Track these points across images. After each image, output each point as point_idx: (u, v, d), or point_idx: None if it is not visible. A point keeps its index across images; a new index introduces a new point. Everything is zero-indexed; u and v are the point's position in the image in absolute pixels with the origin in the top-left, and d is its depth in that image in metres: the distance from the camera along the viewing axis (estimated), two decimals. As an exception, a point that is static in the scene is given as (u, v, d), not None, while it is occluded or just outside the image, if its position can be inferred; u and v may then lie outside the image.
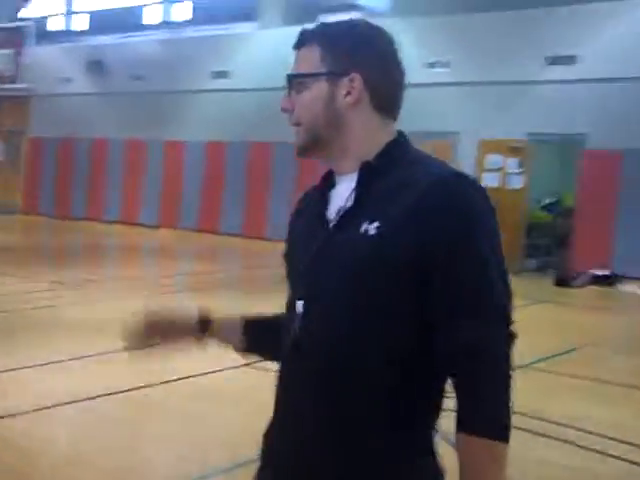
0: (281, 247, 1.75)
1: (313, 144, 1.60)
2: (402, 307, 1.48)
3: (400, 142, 1.60)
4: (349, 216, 1.54)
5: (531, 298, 11.01)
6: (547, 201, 15.58)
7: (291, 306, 1.60)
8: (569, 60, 13.79)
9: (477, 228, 1.46)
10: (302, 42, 1.61)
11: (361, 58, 1.57)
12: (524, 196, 14.41)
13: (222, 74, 18.20)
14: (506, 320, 1.47)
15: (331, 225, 1.57)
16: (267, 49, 16.90)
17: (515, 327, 1.48)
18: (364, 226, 1.49)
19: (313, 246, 1.57)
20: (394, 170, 1.54)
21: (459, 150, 14.70)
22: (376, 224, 1.48)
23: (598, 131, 13.30)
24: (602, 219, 13.41)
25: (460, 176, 1.50)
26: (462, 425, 1.44)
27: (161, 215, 19.05)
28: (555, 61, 13.86)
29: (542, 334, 8.83)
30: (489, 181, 14.07)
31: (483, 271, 1.45)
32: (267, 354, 1.85)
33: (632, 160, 13.09)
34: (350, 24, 1.62)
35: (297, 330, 1.56)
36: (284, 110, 1.62)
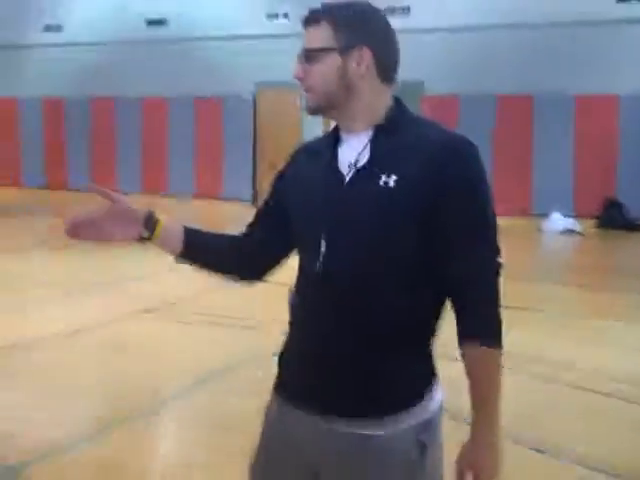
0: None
1: (326, 106, 1.88)
2: (417, 242, 1.79)
3: (400, 105, 1.90)
4: (365, 170, 1.82)
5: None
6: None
7: (311, 245, 1.86)
8: (404, 11, 14.27)
9: (480, 182, 1.81)
10: (312, 20, 1.86)
11: (368, 33, 1.85)
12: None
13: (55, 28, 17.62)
14: (498, 252, 1.82)
15: (347, 177, 1.83)
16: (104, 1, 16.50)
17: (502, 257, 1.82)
18: (383, 178, 1.79)
19: (330, 195, 1.84)
20: (400, 130, 1.85)
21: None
22: (394, 177, 1.78)
23: (434, 78, 13.92)
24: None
25: (466, 139, 1.81)
26: (474, 337, 1.79)
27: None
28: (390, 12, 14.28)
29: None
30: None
31: (484, 215, 1.81)
32: (200, 263, 2.06)
33: (467, 104, 13.80)
34: (354, 4, 1.88)
35: (322, 264, 1.83)
36: (298, 78, 1.87)
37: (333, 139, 1.91)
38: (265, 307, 7.37)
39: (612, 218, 13.11)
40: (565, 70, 13.41)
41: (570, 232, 12.72)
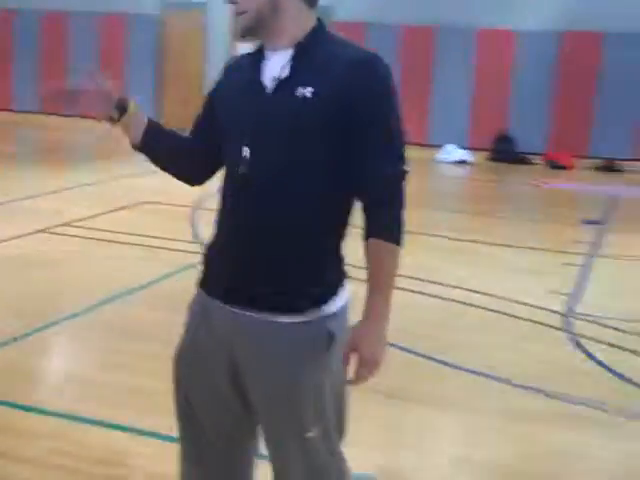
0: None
1: (256, 26, 2.03)
2: (331, 149, 1.99)
3: (322, 27, 2.06)
4: (286, 82, 2.00)
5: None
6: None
7: (236, 150, 2.04)
8: None
9: (389, 97, 2.01)
10: None
11: None
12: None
13: None
14: (405, 161, 2.04)
15: (269, 88, 2.01)
16: None
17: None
18: (300, 90, 1.97)
19: (254, 104, 2.02)
20: (320, 48, 2.03)
21: (209, 19, 14.88)
22: (310, 89, 1.97)
23: (344, 3, 14.06)
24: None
25: (378, 57, 2.00)
26: (378, 234, 2.00)
27: None
28: None
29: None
30: (244, 48, 14.43)
31: (393, 127, 2.02)
32: (152, 155, 2.26)
33: (373, 32, 14.01)
34: None
35: (244, 167, 2.02)
36: (231, 2, 2.02)
37: (258, 55, 2.09)
38: (169, 227, 7.55)
39: (503, 151, 13.67)
40: (467, 3, 13.73)
41: (463, 163, 13.23)
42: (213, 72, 14.87)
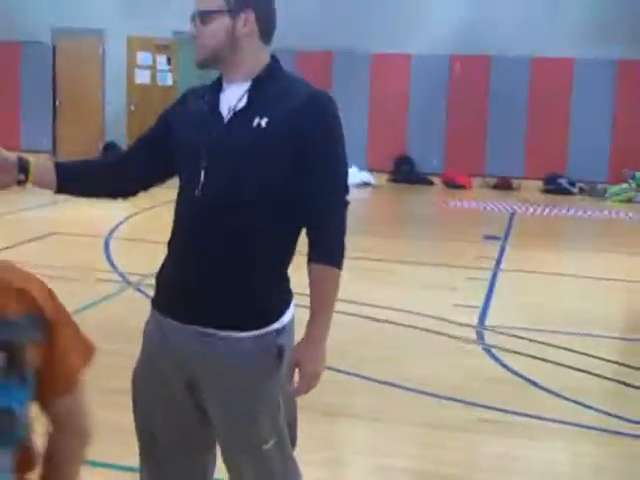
0: None
1: (213, 60, 2.23)
2: (281, 177, 2.16)
3: (276, 63, 2.29)
4: (242, 112, 2.18)
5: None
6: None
7: (192, 175, 2.19)
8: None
9: (336, 133, 2.22)
10: None
11: (254, 0, 2.21)
12: (174, 92, 14.99)
13: None
14: (347, 190, 2.24)
15: (227, 118, 2.16)
16: None
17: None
18: (256, 120, 2.13)
19: (211, 132, 2.16)
20: (275, 82, 2.23)
21: (107, 48, 14.83)
22: (266, 119, 2.15)
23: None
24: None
25: (327, 94, 2.22)
26: (319, 259, 2.17)
27: None
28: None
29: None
30: (141, 78, 14.43)
31: (337, 162, 2.22)
32: (76, 191, 2.40)
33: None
34: None
35: (200, 190, 2.16)
36: (193, 36, 2.19)
37: (217, 86, 2.27)
38: (82, 257, 7.52)
39: (403, 172, 14.09)
40: (361, 29, 14.11)
41: (365, 185, 13.56)
42: (111, 100, 14.84)
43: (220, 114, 2.21)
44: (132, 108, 14.51)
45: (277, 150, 2.15)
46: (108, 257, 7.51)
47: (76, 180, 2.36)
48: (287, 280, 2.29)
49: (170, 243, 2.29)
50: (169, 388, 2.27)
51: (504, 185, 13.66)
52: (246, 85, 2.22)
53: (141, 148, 2.40)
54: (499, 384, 4.81)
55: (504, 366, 5.10)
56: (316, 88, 2.25)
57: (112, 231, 8.36)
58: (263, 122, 2.14)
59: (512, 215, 11.22)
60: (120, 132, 14.67)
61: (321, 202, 2.18)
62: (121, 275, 6.76)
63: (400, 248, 8.82)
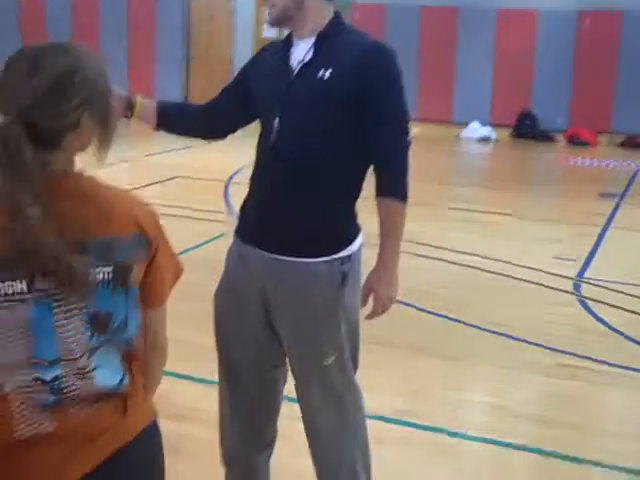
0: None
1: (283, 19, 2.47)
2: (346, 122, 2.40)
3: (339, 18, 2.50)
4: (309, 65, 2.43)
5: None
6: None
7: (269, 122, 2.46)
8: None
9: (394, 79, 2.42)
10: None
11: None
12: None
13: None
14: (408, 132, 2.43)
15: (295, 71, 2.44)
16: None
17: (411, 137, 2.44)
18: (321, 72, 2.39)
19: (283, 84, 2.44)
20: (338, 36, 2.45)
21: (238, 1, 15.27)
22: (330, 71, 2.38)
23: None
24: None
25: (387, 46, 2.44)
26: (385, 193, 2.41)
27: None
28: None
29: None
30: (268, 32, 14.77)
31: (397, 103, 2.42)
32: (173, 130, 2.71)
33: (394, 13, 14.30)
34: None
35: (275, 136, 2.44)
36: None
37: (287, 43, 2.52)
38: (201, 199, 7.99)
39: (526, 128, 13.93)
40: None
41: (486, 140, 13.52)
42: (240, 53, 15.29)
43: (290, 67, 2.47)
44: (259, 60, 14.89)
45: (340, 98, 2.38)
46: (226, 199, 7.96)
47: (172, 121, 2.69)
48: (354, 214, 2.53)
49: (252, 179, 2.58)
50: (247, 309, 2.56)
51: (631, 143, 13.30)
52: (312, 40, 2.45)
53: (224, 98, 2.71)
54: (588, 334, 4.92)
55: (596, 317, 5.18)
56: (377, 40, 2.47)
57: (232, 176, 8.79)
58: (327, 74, 2.38)
59: (635, 173, 10.98)
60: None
61: (384, 143, 2.41)
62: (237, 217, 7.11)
63: (513, 202, 8.86)
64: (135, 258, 1.60)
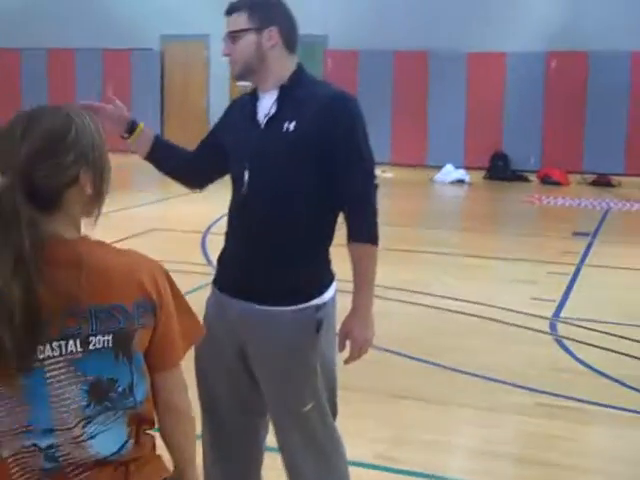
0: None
1: (246, 72, 2.56)
2: (313, 171, 2.47)
3: (301, 70, 2.59)
4: (274, 119, 2.52)
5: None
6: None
7: (239, 174, 2.56)
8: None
9: (358, 126, 2.51)
10: (233, 10, 2.53)
11: (276, 16, 2.54)
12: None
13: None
14: (374, 177, 2.54)
15: (262, 125, 2.51)
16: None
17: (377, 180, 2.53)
18: (286, 125, 2.48)
19: (251, 138, 2.52)
20: (301, 88, 2.54)
21: (212, 51, 15.48)
22: (294, 123, 2.47)
23: (338, 33, 14.59)
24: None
25: (348, 95, 2.55)
26: (357, 238, 2.49)
27: None
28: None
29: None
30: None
31: (361, 149, 2.51)
32: (159, 166, 2.81)
33: (367, 59, 14.56)
34: None
35: (246, 188, 2.52)
36: (226, 55, 2.52)
37: (254, 96, 2.60)
38: (180, 251, 8.02)
39: (498, 169, 14.13)
40: (456, 28, 14.24)
41: (460, 182, 13.69)
42: (214, 104, 15.47)
43: (257, 121, 2.55)
44: (234, 110, 15.05)
45: (306, 149, 2.46)
46: (204, 250, 8.00)
47: (163, 156, 2.79)
48: (327, 262, 2.60)
49: (227, 230, 2.66)
50: (225, 356, 2.61)
51: (602, 182, 13.51)
52: (275, 93, 2.53)
53: (200, 150, 2.81)
54: (565, 373, 4.97)
55: (573, 356, 5.24)
56: (339, 89, 2.56)
57: (209, 227, 8.83)
58: (291, 126, 2.47)
59: (606, 212, 11.15)
60: (223, 133, 15.27)
61: (353, 189, 2.49)
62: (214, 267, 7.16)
63: (487, 243, 8.97)
64: (138, 324, 1.61)
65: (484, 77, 14.28)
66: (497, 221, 10.84)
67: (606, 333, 5.69)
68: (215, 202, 12.57)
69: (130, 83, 16.15)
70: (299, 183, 2.49)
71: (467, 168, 13.98)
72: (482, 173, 14.11)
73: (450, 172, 13.86)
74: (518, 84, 14.11)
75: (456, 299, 6.41)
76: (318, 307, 2.52)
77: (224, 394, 2.66)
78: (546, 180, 13.68)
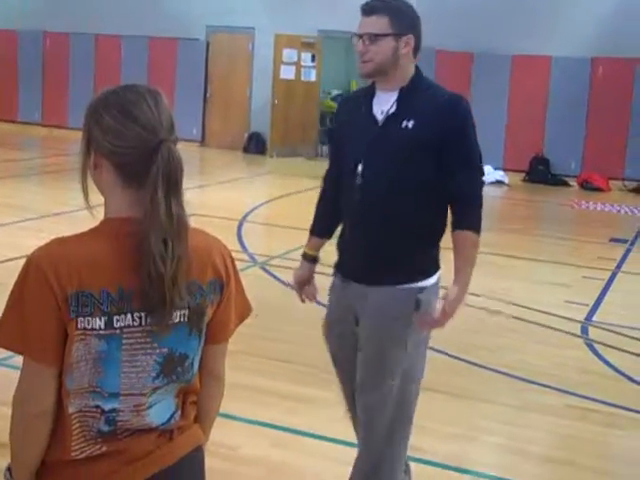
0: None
1: (377, 73, 2.75)
2: (427, 166, 2.71)
3: (419, 73, 2.81)
4: (393, 117, 2.74)
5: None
6: (335, 92, 16.82)
7: (352, 166, 2.77)
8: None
9: (470, 126, 2.76)
10: (372, 11, 2.71)
11: (413, 25, 2.76)
12: (317, 88, 15.55)
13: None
14: (482, 173, 2.81)
15: (380, 120, 2.76)
16: None
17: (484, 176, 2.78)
18: (404, 123, 2.71)
19: (368, 133, 2.76)
20: (419, 90, 2.76)
21: (256, 44, 15.57)
22: (412, 122, 2.70)
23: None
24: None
25: (462, 97, 2.79)
26: (464, 227, 2.71)
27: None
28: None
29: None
30: (286, 74, 15.05)
31: (472, 147, 2.76)
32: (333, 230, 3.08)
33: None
34: (405, 3, 2.77)
35: (361, 179, 2.75)
36: (362, 53, 2.69)
37: (370, 93, 2.81)
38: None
39: (538, 173, 14.06)
40: (503, 31, 14.17)
41: (499, 183, 13.64)
42: (257, 94, 15.55)
43: (374, 117, 2.76)
44: (276, 102, 15.13)
45: (423, 146, 2.68)
46: (239, 238, 8.09)
47: (329, 232, 3.08)
48: (436, 251, 2.83)
49: (343, 222, 2.91)
50: (344, 327, 2.88)
51: (644, 189, 13.38)
52: (395, 94, 2.74)
53: (334, 164, 3.01)
54: (595, 376, 4.98)
55: (604, 360, 5.24)
56: (452, 92, 2.78)
57: (245, 215, 8.93)
58: (410, 124, 2.69)
59: (647, 219, 11.06)
60: (264, 124, 15.37)
61: (463, 183, 2.71)
62: (250, 255, 7.33)
63: (523, 245, 8.96)
64: (209, 301, 1.71)
65: (528, 80, 14.19)
66: (535, 223, 10.79)
67: (637, 339, 5.68)
68: (251, 192, 12.85)
69: (175, 72, 16.29)
70: (414, 176, 2.70)
71: (506, 170, 13.93)
72: (520, 176, 14.05)
73: (489, 173, 13.79)
74: (562, 88, 14.00)
75: (491, 298, 6.43)
76: (421, 289, 2.76)
77: (345, 362, 2.91)
78: (586, 185, 13.58)
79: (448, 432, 4.11)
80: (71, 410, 1.64)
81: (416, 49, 2.75)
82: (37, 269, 1.58)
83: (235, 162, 14.34)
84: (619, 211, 11.79)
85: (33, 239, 7.30)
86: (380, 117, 2.73)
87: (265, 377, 4.66)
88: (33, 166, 13.14)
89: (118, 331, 1.61)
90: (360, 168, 2.72)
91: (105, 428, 1.64)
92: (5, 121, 17.61)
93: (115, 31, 16.55)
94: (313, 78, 15.36)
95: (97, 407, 1.64)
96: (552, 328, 5.84)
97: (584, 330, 5.88)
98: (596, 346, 5.52)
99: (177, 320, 1.65)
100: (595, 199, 12.56)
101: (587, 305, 6.46)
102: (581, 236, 9.83)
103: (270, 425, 4.06)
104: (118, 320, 1.60)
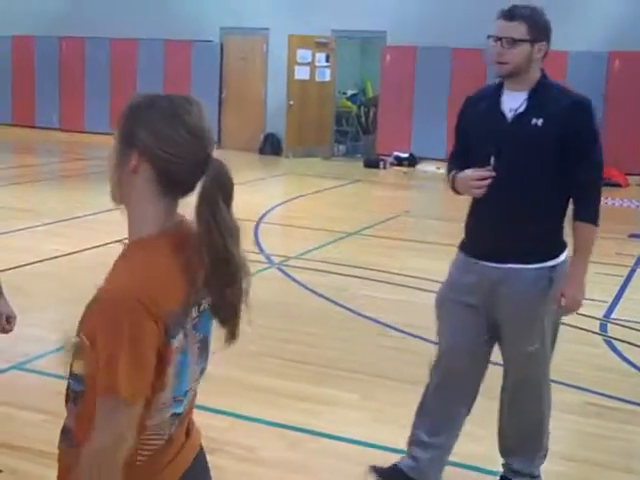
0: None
1: (513, 75, 3.05)
2: (553, 160, 3.03)
3: (545, 76, 3.12)
4: (523, 115, 3.04)
5: (345, 179, 12.39)
6: (351, 92, 16.82)
7: (483, 156, 3.06)
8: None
9: (594, 125, 3.11)
10: (512, 17, 3.01)
11: (547, 33, 3.06)
12: (331, 88, 15.55)
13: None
14: (602, 170, 3.15)
15: (509, 117, 3.06)
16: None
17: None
18: (534, 121, 3.01)
19: (499, 128, 3.06)
20: (546, 91, 3.07)
21: (270, 45, 15.58)
22: (541, 120, 3.01)
23: (396, 29, 14.55)
24: (402, 107, 14.78)
25: (586, 98, 3.10)
26: (584, 218, 3.07)
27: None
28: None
29: (360, 208, 10.12)
30: (300, 74, 15.05)
31: (595, 145, 3.09)
32: None
33: (425, 55, 14.51)
34: (536, 10, 3.06)
35: (492, 171, 3.04)
36: (499, 54, 2.91)
37: (499, 91, 3.09)
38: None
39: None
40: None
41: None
42: (272, 95, 15.55)
43: (503, 114, 3.05)
44: (291, 103, 15.14)
45: (550, 142, 2.97)
46: (256, 239, 8.09)
47: None
48: (561, 233, 3.14)
49: (471, 208, 3.23)
50: (467, 305, 3.19)
51: (663, 185, 13.27)
52: (524, 93, 3.04)
53: (459, 157, 3.24)
54: (614, 374, 4.95)
55: (623, 357, 5.21)
56: (578, 93, 3.02)
57: (262, 216, 8.93)
58: (539, 122, 2.99)
59: (666, 215, 10.97)
60: (280, 125, 15.39)
61: (585, 178, 3.04)
62: (266, 256, 7.33)
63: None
64: None
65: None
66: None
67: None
68: (267, 193, 12.80)
69: (190, 74, 16.34)
70: (541, 169, 3.01)
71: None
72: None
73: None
74: (579, 83, 13.85)
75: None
76: (552, 268, 3.09)
77: (461, 339, 3.27)
78: (605, 181, 13.45)
79: (465, 430, 4.09)
80: (149, 423, 1.61)
81: (546, 54, 3.04)
82: (133, 305, 1.50)
83: (251, 163, 14.33)
84: (638, 207, 11.71)
85: (51, 244, 7.42)
86: (509, 114, 3.02)
87: (282, 378, 4.66)
88: (51, 171, 13.21)
89: (190, 339, 1.64)
90: (492, 160, 3.01)
91: (173, 429, 1.67)
92: (23, 126, 17.72)
93: (130, 35, 16.62)
94: (328, 78, 15.36)
95: (173, 415, 1.65)
96: (570, 325, 5.79)
97: (603, 327, 5.84)
98: (615, 343, 5.48)
99: (205, 306, 1.67)
100: (613, 195, 12.45)
101: (606, 302, 6.43)
102: (600, 232, 9.71)
103: (287, 426, 4.07)
104: (187, 329, 1.62)
